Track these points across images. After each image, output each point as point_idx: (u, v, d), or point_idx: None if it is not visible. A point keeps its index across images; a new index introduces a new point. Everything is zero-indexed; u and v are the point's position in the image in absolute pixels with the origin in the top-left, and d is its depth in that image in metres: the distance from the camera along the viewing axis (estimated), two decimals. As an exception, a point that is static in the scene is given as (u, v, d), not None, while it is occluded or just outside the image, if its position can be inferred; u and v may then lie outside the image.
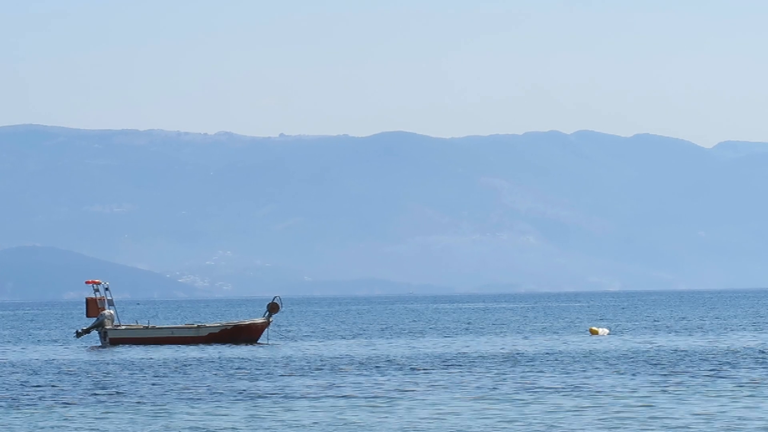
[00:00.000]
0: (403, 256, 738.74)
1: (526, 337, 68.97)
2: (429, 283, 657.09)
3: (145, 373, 38.19)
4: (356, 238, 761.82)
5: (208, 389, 29.15)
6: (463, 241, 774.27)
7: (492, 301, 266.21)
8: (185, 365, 42.59)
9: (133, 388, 30.31)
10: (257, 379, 33.44)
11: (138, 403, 24.88)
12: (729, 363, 37.65)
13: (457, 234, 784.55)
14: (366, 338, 71.74)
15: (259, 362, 43.73)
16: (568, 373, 33.96)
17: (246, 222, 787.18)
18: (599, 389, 26.66)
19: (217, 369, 39.73)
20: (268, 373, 36.51)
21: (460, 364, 40.45)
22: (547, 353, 47.89)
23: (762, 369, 33.77)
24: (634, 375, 32.56)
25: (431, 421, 18.60)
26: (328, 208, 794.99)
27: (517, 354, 47.72)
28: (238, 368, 39.79)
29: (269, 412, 21.35)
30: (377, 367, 39.52)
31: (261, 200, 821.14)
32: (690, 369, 35.04)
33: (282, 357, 48.10)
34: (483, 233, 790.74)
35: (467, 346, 56.83)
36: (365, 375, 35.03)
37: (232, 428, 17.90)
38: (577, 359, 42.09)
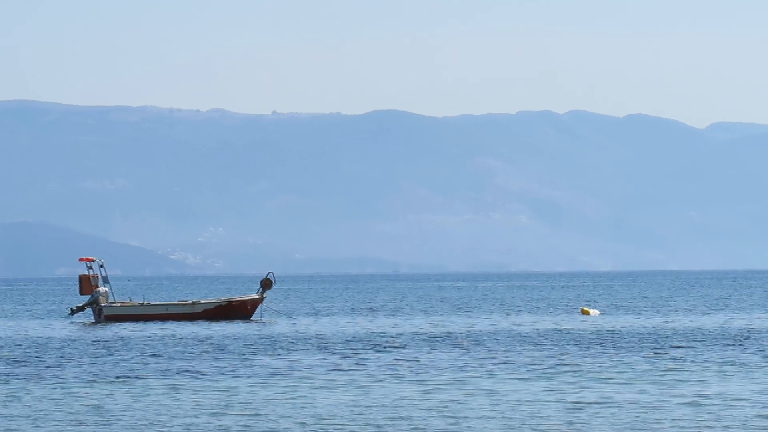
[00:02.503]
0: (395, 235, 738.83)
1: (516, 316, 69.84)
2: (421, 262, 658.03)
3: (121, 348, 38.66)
4: (348, 216, 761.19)
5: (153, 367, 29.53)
6: (456, 221, 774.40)
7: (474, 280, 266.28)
8: (176, 342, 42.94)
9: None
10: (219, 357, 33.95)
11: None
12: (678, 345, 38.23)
13: (449, 213, 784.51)
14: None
15: (234, 339, 44.06)
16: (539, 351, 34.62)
17: (238, 199, 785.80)
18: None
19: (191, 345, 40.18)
20: (233, 350, 36.94)
21: (417, 344, 40.77)
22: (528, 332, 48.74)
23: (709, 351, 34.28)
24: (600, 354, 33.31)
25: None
26: (321, 185, 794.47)
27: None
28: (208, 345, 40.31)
29: (208, 389, 21.78)
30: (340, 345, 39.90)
31: (253, 177, 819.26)
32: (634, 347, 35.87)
33: (268, 334, 48.45)
34: (476, 213, 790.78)
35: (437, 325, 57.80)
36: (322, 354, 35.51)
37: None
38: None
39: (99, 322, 60.78)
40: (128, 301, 66.54)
